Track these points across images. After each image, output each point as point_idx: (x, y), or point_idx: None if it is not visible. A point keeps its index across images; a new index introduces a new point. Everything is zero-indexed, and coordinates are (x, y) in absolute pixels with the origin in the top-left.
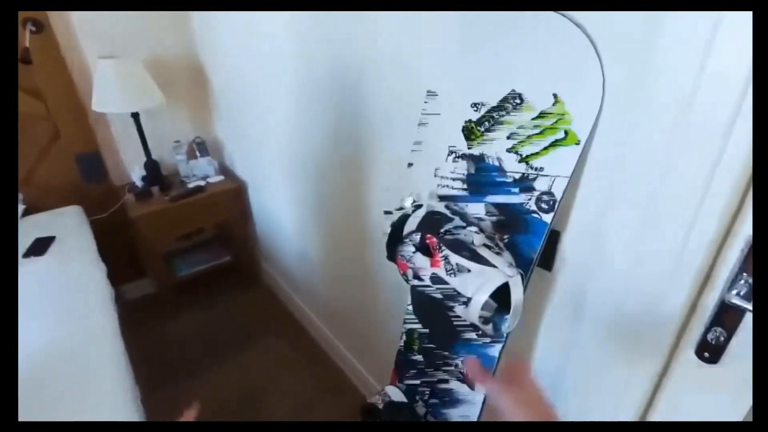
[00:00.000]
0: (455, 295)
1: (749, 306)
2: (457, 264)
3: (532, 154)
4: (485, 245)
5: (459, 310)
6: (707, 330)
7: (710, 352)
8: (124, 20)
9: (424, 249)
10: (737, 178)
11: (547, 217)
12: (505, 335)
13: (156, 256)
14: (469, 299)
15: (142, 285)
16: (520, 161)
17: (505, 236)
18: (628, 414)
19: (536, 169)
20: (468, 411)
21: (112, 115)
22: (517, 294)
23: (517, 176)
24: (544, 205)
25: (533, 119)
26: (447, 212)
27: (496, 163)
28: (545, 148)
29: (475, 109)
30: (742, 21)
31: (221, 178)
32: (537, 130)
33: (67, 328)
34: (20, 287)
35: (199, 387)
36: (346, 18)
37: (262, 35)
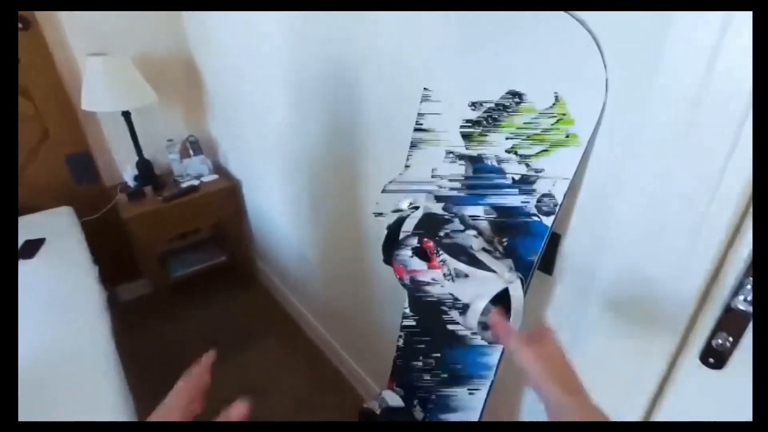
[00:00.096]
0: (453, 301)
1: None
2: (455, 269)
3: (532, 155)
4: (484, 249)
5: (457, 316)
6: (712, 335)
7: (715, 357)
8: (114, 16)
9: (421, 253)
10: (747, 180)
11: (548, 220)
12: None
13: (150, 257)
14: (468, 306)
15: (137, 286)
16: (519, 162)
17: (504, 239)
18: (630, 418)
19: (536, 170)
20: (467, 417)
21: (102, 114)
22: (517, 300)
23: (517, 178)
24: (544, 208)
25: (533, 119)
26: (445, 214)
27: (495, 164)
28: (546, 149)
29: (474, 108)
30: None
31: (215, 177)
32: (537, 131)
33: (56, 334)
34: None
35: None
36: (341, 16)
37: (256, 33)
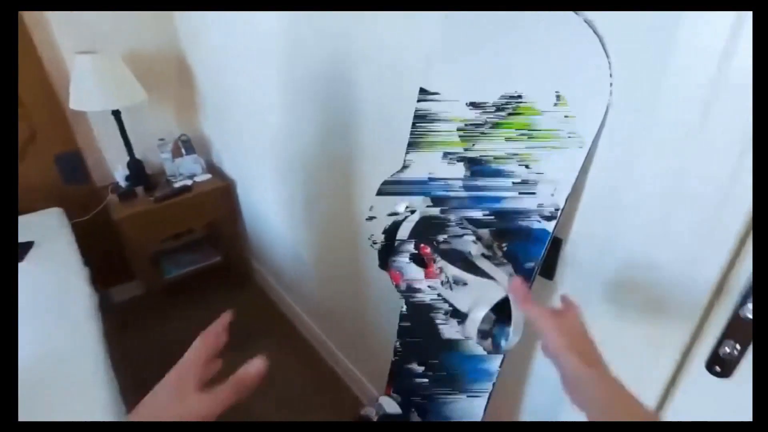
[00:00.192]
0: (451, 310)
1: None
2: (453, 276)
3: (533, 158)
4: (483, 255)
5: (455, 325)
6: (719, 343)
7: (722, 366)
8: (103, 14)
9: (418, 259)
10: None
11: (549, 225)
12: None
13: (142, 258)
14: (466, 315)
15: (130, 287)
16: (520, 164)
17: (504, 244)
18: None
19: (538, 173)
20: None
21: (92, 113)
22: (518, 309)
23: (517, 180)
24: (546, 212)
25: (534, 120)
26: (442, 218)
27: (495, 167)
28: (547, 151)
29: (473, 109)
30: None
31: (209, 176)
32: (539, 132)
33: (46, 338)
34: None
35: None
36: (336, 14)
37: (249, 30)
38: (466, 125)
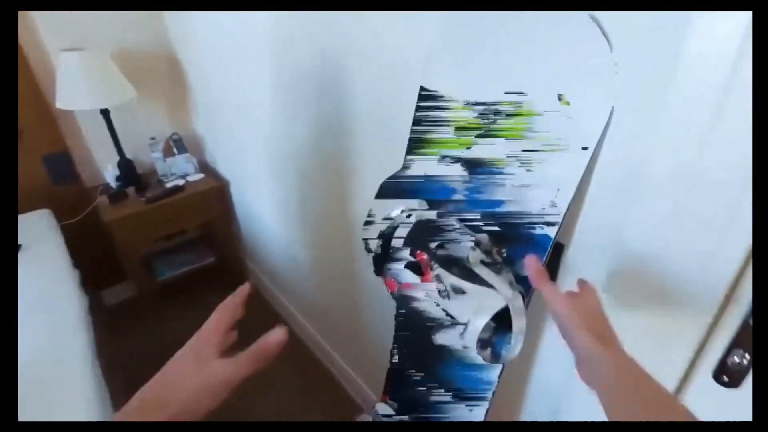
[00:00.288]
0: (449, 319)
1: None
2: (450, 285)
3: (534, 160)
4: (482, 261)
5: (453, 335)
6: (727, 353)
7: (730, 376)
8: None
9: (414, 266)
10: None
11: (551, 230)
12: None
13: (134, 260)
14: (465, 325)
15: (123, 289)
16: (520, 167)
17: (504, 250)
18: None
19: (539, 176)
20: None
21: (80, 112)
22: (519, 319)
23: (518, 184)
24: (547, 217)
25: (536, 121)
26: (439, 222)
27: (495, 169)
28: (549, 153)
29: (473, 109)
30: None
31: (202, 176)
32: (540, 133)
33: (34, 342)
34: None
35: None
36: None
37: (240, 27)
38: (465, 126)
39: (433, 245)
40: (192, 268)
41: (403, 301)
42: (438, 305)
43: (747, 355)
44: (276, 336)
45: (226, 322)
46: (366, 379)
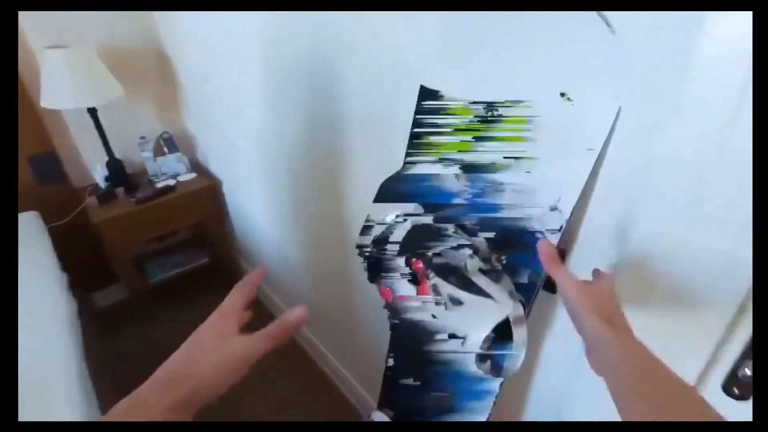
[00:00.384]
0: (446, 332)
1: None
2: (448, 295)
3: (536, 163)
4: (480, 270)
5: (451, 347)
6: (738, 365)
7: (740, 388)
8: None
9: (409, 275)
10: None
11: (554, 237)
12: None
13: (125, 262)
14: (463, 339)
15: (114, 291)
16: (521, 170)
17: (504, 257)
18: None
19: (540, 179)
20: None
21: (66, 111)
22: (520, 330)
23: (518, 188)
24: (549, 223)
25: (537, 121)
26: (436, 227)
27: (494, 172)
28: (552, 156)
29: (473, 109)
30: None
31: (193, 175)
32: (542, 134)
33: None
34: None
35: None
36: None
37: (232, 25)
38: (465, 127)
39: (429, 252)
40: (184, 270)
41: (397, 311)
42: (435, 317)
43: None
44: (296, 313)
45: (244, 301)
46: (361, 379)
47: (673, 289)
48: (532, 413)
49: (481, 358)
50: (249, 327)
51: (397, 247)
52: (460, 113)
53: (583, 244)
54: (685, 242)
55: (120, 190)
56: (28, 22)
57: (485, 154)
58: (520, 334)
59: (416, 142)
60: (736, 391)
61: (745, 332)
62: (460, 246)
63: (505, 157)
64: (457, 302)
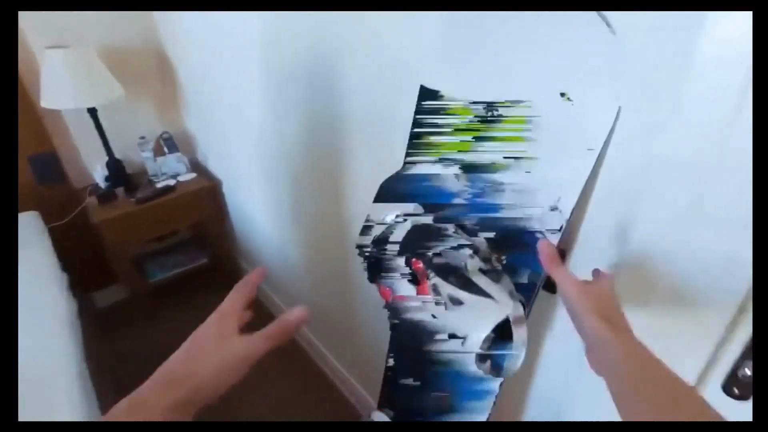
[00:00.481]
0: (446, 332)
1: None
2: (448, 295)
3: (536, 163)
4: (480, 270)
5: (451, 347)
6: (738, 365)
7: (740, 388)
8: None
9: (410, 275)
10: None
11: (554, 237)
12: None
13: (125, 262)
14: (463, 339)
15: (114, 291)
16: (521, 170)
17: (504, 257)
18: None
19: (540, 179)
20: None
21: (66, 111)
22: (520, 330)
23: (518, 188)
24: (549, 223)
25: (537, 121)
26: (436, 227)
27: (494, 172)
28: (552, 155)
29: (470, 110)
30: None
31: (193, 175)
32: (542, 134)
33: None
34: None
35: None
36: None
37: (232, 25)
38: (465, 127)
39: (429, 252)
40: (184, 270)
41: (397, 311)
42: (435, 317)
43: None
44: (296, 314)
45: (243, 300)
46: (361, 379)
47: (673, 289)
48: (532, 413)
49: (481, 358)
50: (249, 327)
51: (397, 247)
52: (460, 113)
53: (583, 244)
54: (685, 242)
55: (120, 190)
56: (28, 22)
57: (485, 154)
58: (520, 334)
59: (416, 142)
60: (736, 391)
61: (745, 332)
62: (460, 246)
63: (505, 157)
64: (457, 302)
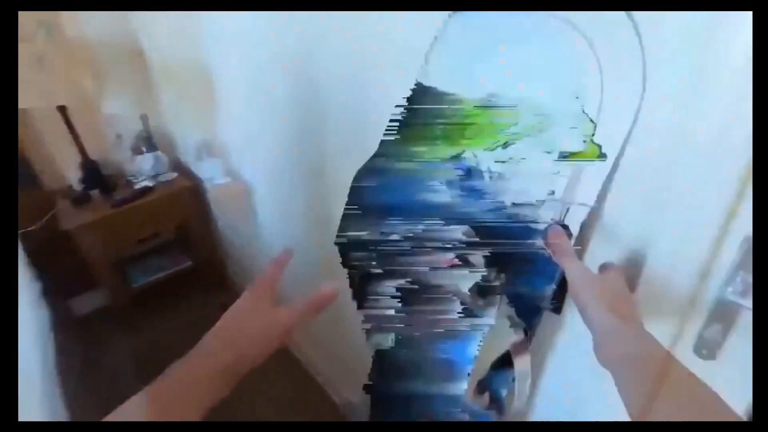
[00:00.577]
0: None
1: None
2: (440, 321)
3: (539, 172)
4: (477, 291)
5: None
6: (705, 327)
7: (708, 349)
8: None
9: (397, 296)
10: None
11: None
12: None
13: (103, 267)
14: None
15: (93, 298)
16: (522, 180)
17: (502, 274)
18: None
19: (548, 192)
20: None
21: (35, 110)
22: (521, 360)
23: (519, 201)
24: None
25: (543, 122)
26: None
27: (492, 182)
28: (558, 165)
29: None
30: None
31: (174, 175)
32: (549, 137)
33: None
34: None
35: None
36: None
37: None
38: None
39: (418, 271)
40: (168, 273)
41: (384, 339)
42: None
43: (720, 330)
44: (328, 289)
45: (275, 278)
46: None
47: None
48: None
49: (479, 389)
50: None
51: (386, 261)
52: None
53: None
54: (686, 242)
55: (95, 193)
56: None
57: (484, 160)
58: (521, 364)
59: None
60: (704, 351)
61: (707, 299)
62: (454, 263)
63: (505, 165)
64: (451, 329)
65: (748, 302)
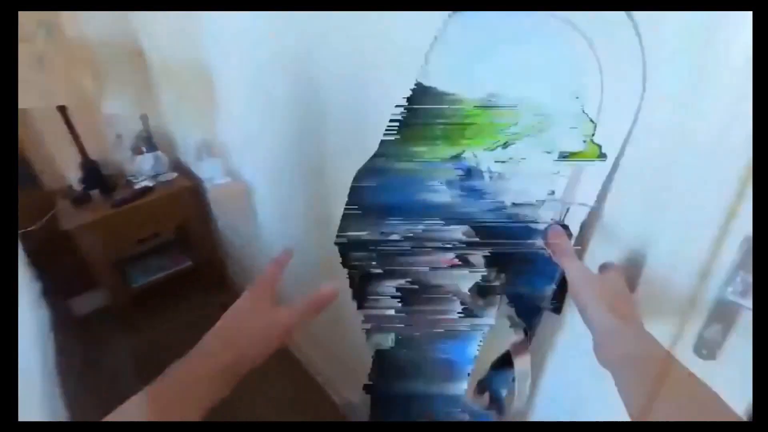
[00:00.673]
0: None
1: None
2: (440, 321)
3: (539, 172)
4: (477, 291)
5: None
6: (705, 327)
7: (708, 349)
8: None
9: (397, 297)
10: None
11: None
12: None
13: (103, 267)
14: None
15: (93, 298)
16: (522, 179)
17: (502, 275)
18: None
19: (548, 192)
20: None
21: (35, 110)
22: (521, 360)
23: (519, 201)
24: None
25: (543, 121)
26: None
27: (492, 183)
28: (557, 165)
29: (469, 110)
30: None
31: (174, 175)
32: (549, 136)
33: None
34: None
35: None
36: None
37: (211, 17)
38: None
39: (418, 270)
40: (168, 273)
41: (384, 339)
42: (425, 345)
43: (720, 330)
44: (328, 289)
45: (275, 278)
46: (351, 387)
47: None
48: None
49: (479, 389)
50: None
51: (386, 261)
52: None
53: (594, 258)
54: (686, 242)
55: (95, 193)
56: None
57: (484, 160)
58: (521, 364)
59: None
60: (704, 352)
61: (707, 299)
62: (454, 263)
63: (505, 165)
64: (451, 329)
65: (748, 302)
